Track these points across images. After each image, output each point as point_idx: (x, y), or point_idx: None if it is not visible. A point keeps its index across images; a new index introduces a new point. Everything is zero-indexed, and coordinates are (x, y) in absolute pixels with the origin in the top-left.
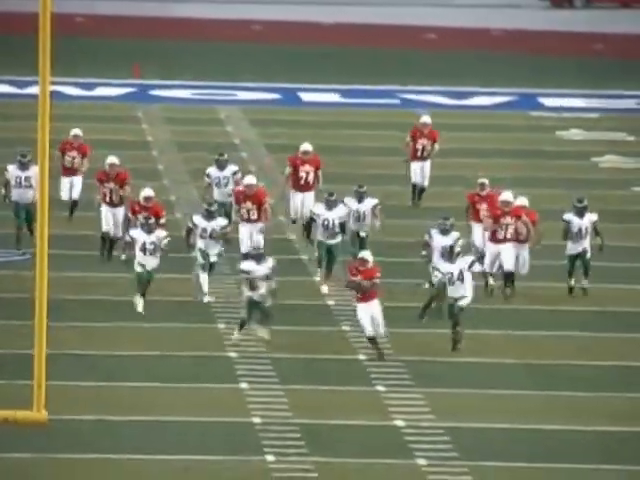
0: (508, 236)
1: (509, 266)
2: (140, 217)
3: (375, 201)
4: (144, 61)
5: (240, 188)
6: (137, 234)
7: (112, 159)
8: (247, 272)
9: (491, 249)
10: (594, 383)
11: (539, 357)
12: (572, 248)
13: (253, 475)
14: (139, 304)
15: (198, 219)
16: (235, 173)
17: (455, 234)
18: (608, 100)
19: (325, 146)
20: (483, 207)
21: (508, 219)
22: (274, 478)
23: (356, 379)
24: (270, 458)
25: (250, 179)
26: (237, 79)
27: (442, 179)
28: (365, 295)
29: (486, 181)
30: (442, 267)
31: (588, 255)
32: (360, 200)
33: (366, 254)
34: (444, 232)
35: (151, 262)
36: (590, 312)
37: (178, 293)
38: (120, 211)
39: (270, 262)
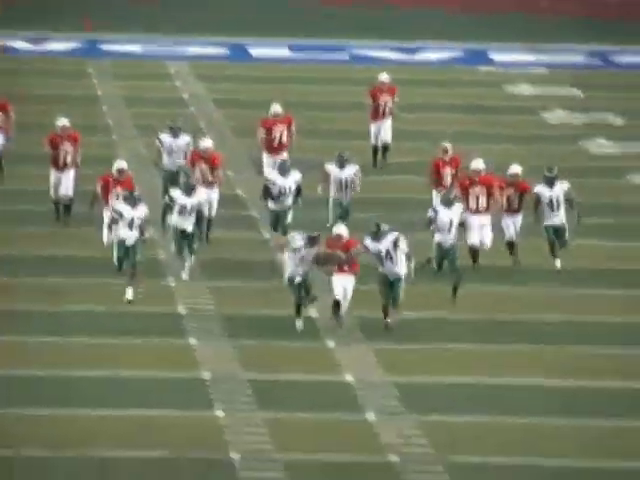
0: (480, 207)
1: (474, 240)
2: (121, 192)
3: (357, 167)
4: (94, 15)
5: (195, 150)
6: (124, 209)
7: (63, 121)
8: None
9: (471, 222)
10: (549, 337)
11: (496, 312)
12: (549, 219)
13: (204, 430)
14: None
15: (178, 195)
16: (188, 144)
17: (459, 206)
18: (557, 55)
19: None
20: (447, 172)
21: (477, 189)
22: (224, 433)
23: (306, 334)
24: (220, 414)
25: (207, 142)
26: (187, 34)
27: (394, 134)
28: (342, 268)
29: (449, 145)
30: (370, 245)
31: (566, 235)
32: (342, 167)
33: (341, 229)
34: (447, 204)
35: (132, 236)
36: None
37: None
38: (70, 173)
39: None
